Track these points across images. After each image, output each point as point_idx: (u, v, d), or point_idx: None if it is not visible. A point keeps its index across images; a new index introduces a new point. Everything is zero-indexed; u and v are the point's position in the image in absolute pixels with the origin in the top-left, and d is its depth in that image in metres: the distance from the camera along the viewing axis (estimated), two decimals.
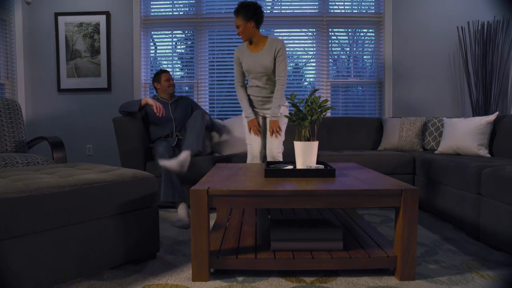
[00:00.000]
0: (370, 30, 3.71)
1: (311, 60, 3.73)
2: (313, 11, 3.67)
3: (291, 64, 3.75)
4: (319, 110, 1.75)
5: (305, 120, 1.75)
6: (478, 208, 1.88)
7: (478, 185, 1.90)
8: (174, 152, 2.52)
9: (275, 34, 3.73)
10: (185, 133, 2.67)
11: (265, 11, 3.69)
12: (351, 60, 3.76)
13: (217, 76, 3.74)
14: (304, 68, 3.75)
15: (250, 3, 2.32)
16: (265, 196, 1.40)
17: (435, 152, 2.86)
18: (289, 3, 3.69)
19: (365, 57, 3.77)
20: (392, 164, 2.71)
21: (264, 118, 2.58)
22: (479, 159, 2.28)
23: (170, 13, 3.70)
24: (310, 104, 1.76)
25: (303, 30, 3.70)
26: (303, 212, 2.11)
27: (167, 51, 3.77)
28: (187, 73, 3.76)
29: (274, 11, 3.72)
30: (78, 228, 1.34)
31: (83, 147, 3.72)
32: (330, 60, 3.74)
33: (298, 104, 1.79)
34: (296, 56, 3.74)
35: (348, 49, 3.76)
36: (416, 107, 3.68)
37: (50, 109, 3.71)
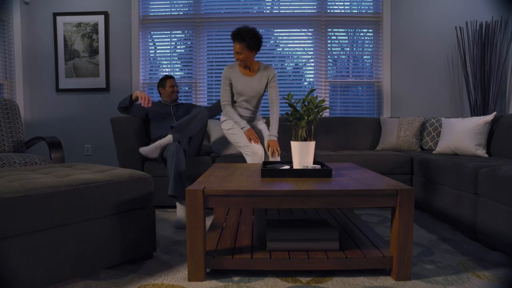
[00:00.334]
0: (370, 30, 3.71)
1: (310, 60, 3.73)
2: (311, 11, 3.68)
3: (291, 64, 3.75)
4: (316, 110, 1.75)
5: (301, 120, 1.75)
6: (475, 208, 1.88)
7: (475, 185, 1.90)
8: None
9: (275, 34, 3.73)
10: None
11: (264, 11, 3.70)
12: (349, 60, 3.76)
13: (215, 76, 3.74)
14: (304, 68, 3.75)
15: (255, 33, 2.38)
16: (260, 196, 1.41)
17: (433, 152, 2.85)
18: (289, 3, 3.69)
19: (364, 57, 3.77)
20: (390, 164, 2.71)
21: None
22: (476, 159, 2.29)
23: (169, 13, 3.70)
24: (307, 104, 1.76)
25: (302, 30, 3.70)
26: (300, 212, 2.11)
27: (165, 51, 3.77)
28: (186, 73, 3.76)
29: (273, 11, 3.72)
30: (74, 228, 1.34)
31: (82, 147, 3.73)
32: (329, 60, 3.74)
33: (295, 104, 1.79)
34: (296, 56, 3.74)
35: (348, 49, 3.75)
36: (415, 107, 3.68)
37: (48, 109, 3.71)
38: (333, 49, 3.73)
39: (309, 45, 3.73)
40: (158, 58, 3.79)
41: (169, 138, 2.43)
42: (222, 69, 3.73)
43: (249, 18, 3.68)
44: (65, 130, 3.72)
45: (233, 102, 2.62)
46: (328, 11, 3.68)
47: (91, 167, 1.69)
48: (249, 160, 2.46)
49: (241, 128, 2.50)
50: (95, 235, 1.41)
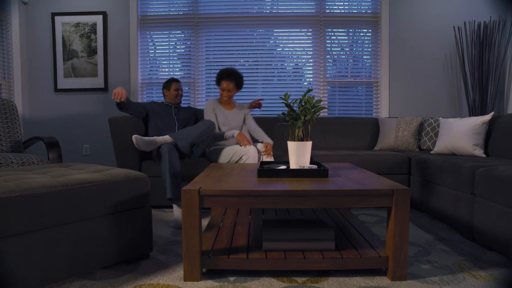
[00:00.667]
0: (369, 30, 3.71)
1: (309, 60, 3.73)
2: (310, 11, 3.68)
3: (291, 64, 3.75)
4: (313, 110, 1.75)
5: (298, 120, 1.75)
6: (472, 208, 1.88)
7: (471, 185, 1.90)
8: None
9: (275, 34, 3.73)
10: None
11: (264, 11, 3.70)
12: (348, 60, 3.76)
13: (214, 76, 3.74)
14: (304, 68, 3.74)
15: (240, 74, 2.79)
16: (256, 196, 1.41)
17: (431, 152, 2.86)
18: (288, 3, 3.69)
19: (363, 57, 3.76)
20: (388, 164, 2.71)
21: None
22: (473, 159, 2.29)
23: (167, 13, 3.70)
24: (303, 104, 1.76)
25: (302, 30, 3.70)
26: (297, 212, 2.11)
27: (164, 51, 3.77)
28: (185, 73, 3.76)
29: (273, 11, 3.72)
30: (70, 228, 1.34)
31: (80, 147, 3.73)
32: (329, 60, 3.74)
33: (291, 104, 1.79)
34: (295, 56, 3.74)
35: (347, 49, 3.75)
36: (413, 107, 3.68)
37: (47, 109, 3.71)
38: (332, 49, 3.73)
39: (308, 45, 3.73)
40: (157, 58, 3.78)
41: (166, 137, 2.42)
42: (222, 68, 3.72)
43: (249, 18, 3.68)
44: (64, 130, 3.72)
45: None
46: (327, 11, 3.68)
47: (88, 167, 1.69)
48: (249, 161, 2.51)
49: (233, 136, 2.68)
50: (91, 235, 1.41)
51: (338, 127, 3.41)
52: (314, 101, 1.76)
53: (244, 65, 3.73)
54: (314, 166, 1.75)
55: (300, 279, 1.44)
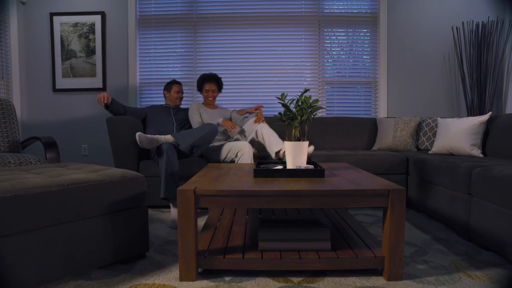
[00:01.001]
0: (368, 30, 3.71)
1: (308, 60, 3.73)
2: (308, 10, 3.68)
3: (290, 64, 3.74)
4: (309, 110, 1.75)
5: (295, 120, 1.75)
6: (468, 208, 1.88)
7: (468, 185, 1.90)
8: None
9: (274, 33, 3.72)
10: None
11: (261, 10, 3.69)
12: (346, 60, 3.76)
13: None
14: (302, 67, 3.74)
15: (220, 77, 3.05)
16: (252, 196, 1.41)
17: (429, 152, 2.86)
18: (287, 3, 3.68)
19: (363, 56, 3.76)
20: (386, 164, 2.71)
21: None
22: (471, 159, 2.29)
23: (166, 13, 3.70)
24: (300, 104, 1.76)
25: (300, 29, 3.70)
26: (294, 212, 2.11)
27: (162, 50, 3.77)
28: (184, 72, 3.76)
29: (272, 10, 3.71)
30: (65, 228, 1.34)
31: (79, 147, 3.73)
32: (328, 59, 3.74)
33: (288, 104, 1.79)
34: (294, 56, 3.73)
35: (347, 49, 3.75)
36: (411, 107, 3.68)
37: (45, 109, 3.71)
38: (332, 48, 3.73)
39: (306, 44, 3.72)
40: (156, 58, 3.78)
41: (168, 137, 2.42)
42: (221, 68, 3.73)
43: (247, 18, 3.68)
44: (62, 130, 3.72)
45: None
46: (325, 10, 3.68)
47: (84, 167, 1.69)
48: (244, 159, 2.52)
49: (217, 124, 2.79)
50: (87, 235, 1.41)
51: (336, 127, 3.41)
52: (311, 101, 1.77)
53: (243, 64, 3.73)
54: (311, 166, 1.75)
55: (295, 279, 1.44)
